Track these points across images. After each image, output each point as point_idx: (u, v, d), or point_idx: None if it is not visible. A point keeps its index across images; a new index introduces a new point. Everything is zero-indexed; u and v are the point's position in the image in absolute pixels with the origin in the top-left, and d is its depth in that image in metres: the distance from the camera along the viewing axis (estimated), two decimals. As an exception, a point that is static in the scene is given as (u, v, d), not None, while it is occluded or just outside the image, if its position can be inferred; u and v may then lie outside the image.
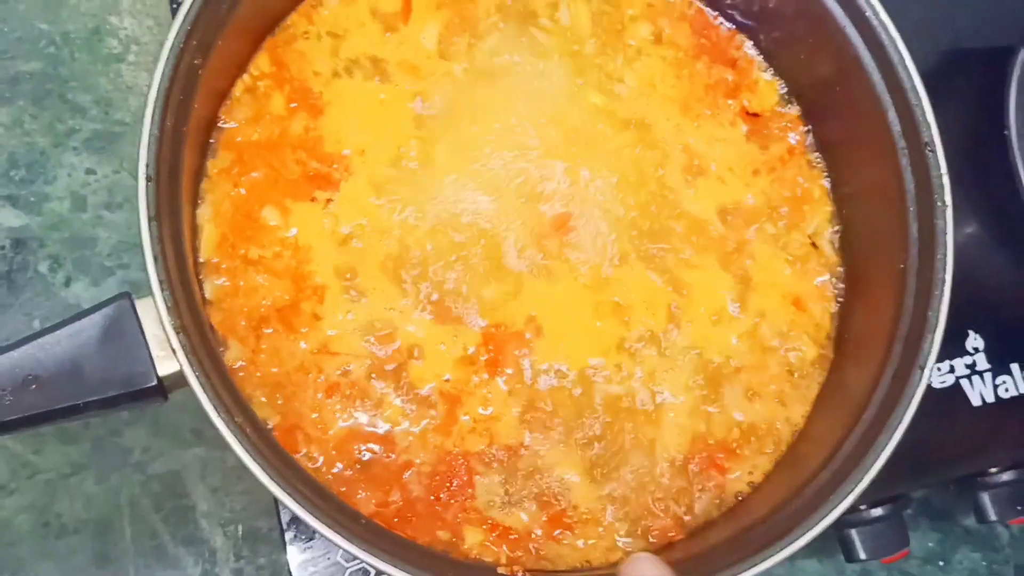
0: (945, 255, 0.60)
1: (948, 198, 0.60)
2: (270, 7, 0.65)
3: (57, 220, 0.77)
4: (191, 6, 0.56)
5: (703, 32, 0.71)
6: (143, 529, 0.73)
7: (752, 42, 0.71)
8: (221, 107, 0.63)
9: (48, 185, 0.78)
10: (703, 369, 0.64)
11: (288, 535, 0.67)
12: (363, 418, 0.60)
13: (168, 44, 0.55)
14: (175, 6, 0.71)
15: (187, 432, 0.74)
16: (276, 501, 0.61)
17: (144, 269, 0.53)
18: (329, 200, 0.63)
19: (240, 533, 0.74)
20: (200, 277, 0.60)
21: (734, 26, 0.71)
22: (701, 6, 0.71)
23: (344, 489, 0.58)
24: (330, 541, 0.51)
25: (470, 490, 0.59)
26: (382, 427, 0.60)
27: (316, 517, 0.51)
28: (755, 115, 0.70)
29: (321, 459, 0.59)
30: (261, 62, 0.65)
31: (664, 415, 0.63)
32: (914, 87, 0.62)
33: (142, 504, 0.73)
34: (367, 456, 0.59)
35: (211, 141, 0.63)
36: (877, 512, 0.73)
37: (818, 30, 0.65)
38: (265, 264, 0.61)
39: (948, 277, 0.60)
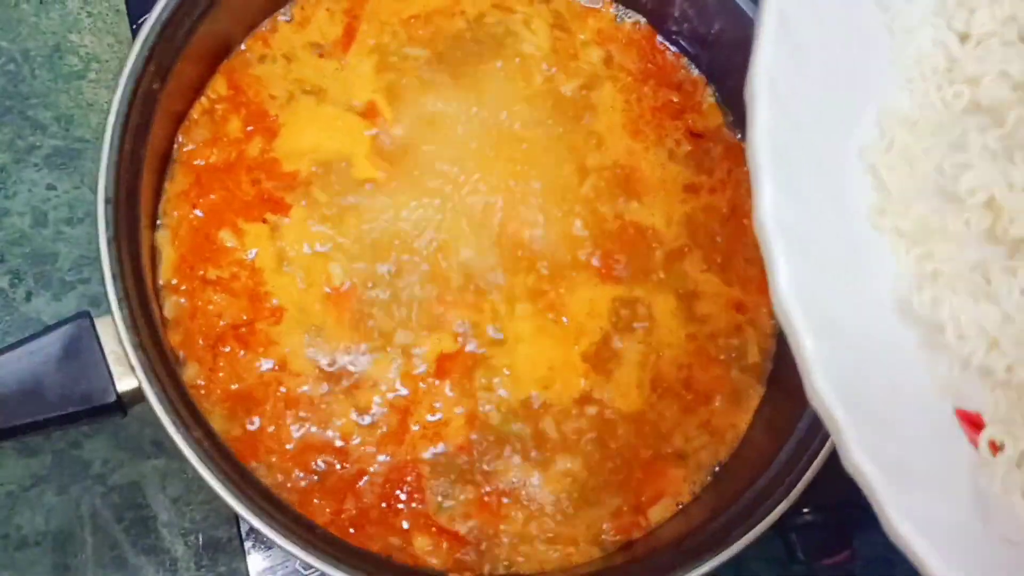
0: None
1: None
2: (227, 32, 0.66)
3: (18, 235, 0.78)
4: (149, 32, 0.58)
5: (650, 57, 0.73)
6: (104, 540, 0.74)
7: (696, 66, 0.74)
8: (180, 128, 0.65)
9: (8, 200, 0.79)
10: (651, 373, 0.66)
11: (248, 544, 0.69)
12: (319, 431, 0.62)
13: (127, 69, 0.57)
14: (135, 26, 0.72)
15: (147, 443, 0.75)
16: (235, 511, 0.63)
17: (104, 285, 0.54)
18: (278, 224, 0.64)
19: (201, 542, 0.75)
20: (159, 296, 0.62)
21: (679, 50, 0.74)
22: (648, 31, 0.74)
23: (301, 499, 0.60)
24: (286, 552, 0.53)
25: (418, 495, 0.62)
26: (337, 439, 0.62)
27: (272, 528, 0.53)
28: (699, 135, 0.73)
29: (279, 471, 0.61)
30: (218, 85, 0.66)
31: (613, 418, 0.65)
32: (847, 111, 0.64)
33: (103, 515, 0.74)
34: (323, 467, 0.61)
35: (170, 162, 0.64)
36: (819, 515, 0.75)
37: (757, 56, 0.67)
38: (223, 284, 0.62)
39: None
